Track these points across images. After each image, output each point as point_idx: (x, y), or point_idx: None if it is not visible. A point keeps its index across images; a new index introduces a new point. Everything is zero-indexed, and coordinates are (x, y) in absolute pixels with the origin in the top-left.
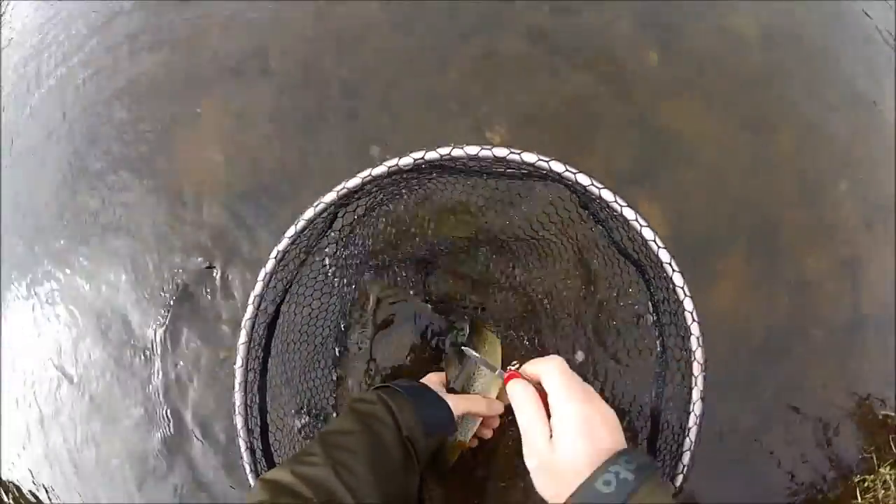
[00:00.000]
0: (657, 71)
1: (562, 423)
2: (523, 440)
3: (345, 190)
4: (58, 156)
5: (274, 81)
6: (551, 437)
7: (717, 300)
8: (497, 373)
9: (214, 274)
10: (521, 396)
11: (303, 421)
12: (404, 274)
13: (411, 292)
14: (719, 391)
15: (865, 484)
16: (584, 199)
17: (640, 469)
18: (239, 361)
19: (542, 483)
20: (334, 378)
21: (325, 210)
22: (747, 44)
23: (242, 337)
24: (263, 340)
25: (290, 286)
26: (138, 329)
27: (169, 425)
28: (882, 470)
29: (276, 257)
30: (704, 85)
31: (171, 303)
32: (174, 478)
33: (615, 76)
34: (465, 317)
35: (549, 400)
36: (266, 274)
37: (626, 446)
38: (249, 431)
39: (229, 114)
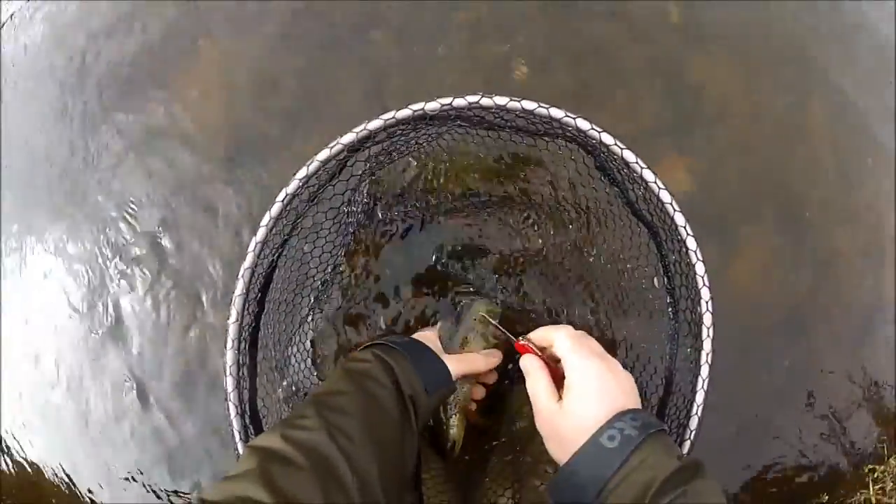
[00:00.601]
0: (685, 24)
1: (572, 383)
2: (533, 407)
3: (365, 131)
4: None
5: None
6: (560, 400)
7: (739, 271)
8: (519, 339)
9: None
10: (529, 364)
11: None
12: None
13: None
14: (733, 365)
15: (875, 474)
16: (602, 160)
17: (644, 427)
18: (233, 316)
19: (553, 447)
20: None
21: (341, 152)
22: (782, 6)
23: (239, 288)
24: (258, 295)
25: (286, 240)
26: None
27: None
28: (893, 461)
29: (283, 200)
30: (734, 43)
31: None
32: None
33: (639, 28)
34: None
35: (563, 363)
36: (271, 219)
37: (639, 408)
38: (240, 395)
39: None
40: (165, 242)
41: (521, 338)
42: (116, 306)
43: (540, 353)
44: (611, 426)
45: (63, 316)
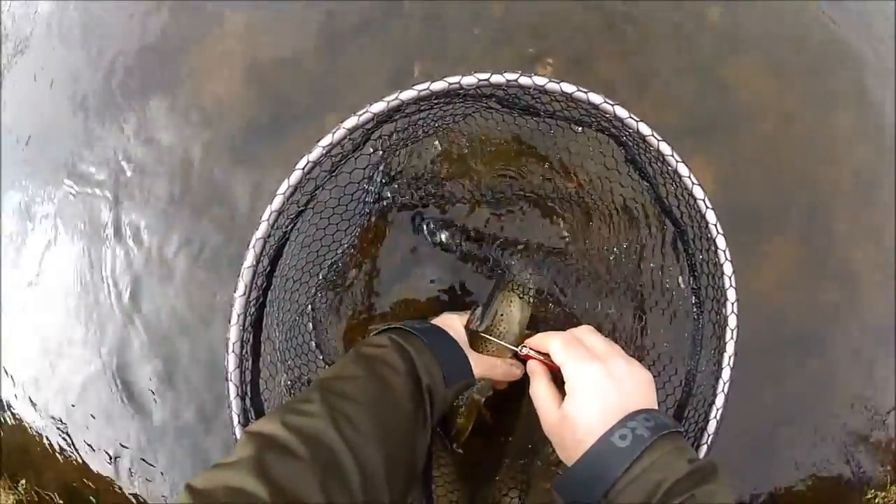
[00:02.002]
0: (719, 24)
1: (570, 389)
2: (538, 411)
3: (397, 101)
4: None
5: None
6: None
7: (759, 278)
8: (519, 349)
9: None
10: (530, 369)
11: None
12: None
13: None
14: (745, 374)
15: (876, 500)
16: (633, 152)
17: (658, 427)
18: (241, 288)
19: (560, 452)
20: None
21: (369, 121)
22: (817, 18)
23: (249, 258)
24: (267, 269)
25: (301, 211)
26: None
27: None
28: (893, 489)
29: (303, 167)
30: (769, 48)
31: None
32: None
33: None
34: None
35: (562, 370)
36: (289, 187)
37: (655, 408)
38: (242, 375)
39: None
40: (172, 213)
41: (521, 347)
42: (122, 274)
43: (542, 359)
44: (623, 425)
45: (67, 283)
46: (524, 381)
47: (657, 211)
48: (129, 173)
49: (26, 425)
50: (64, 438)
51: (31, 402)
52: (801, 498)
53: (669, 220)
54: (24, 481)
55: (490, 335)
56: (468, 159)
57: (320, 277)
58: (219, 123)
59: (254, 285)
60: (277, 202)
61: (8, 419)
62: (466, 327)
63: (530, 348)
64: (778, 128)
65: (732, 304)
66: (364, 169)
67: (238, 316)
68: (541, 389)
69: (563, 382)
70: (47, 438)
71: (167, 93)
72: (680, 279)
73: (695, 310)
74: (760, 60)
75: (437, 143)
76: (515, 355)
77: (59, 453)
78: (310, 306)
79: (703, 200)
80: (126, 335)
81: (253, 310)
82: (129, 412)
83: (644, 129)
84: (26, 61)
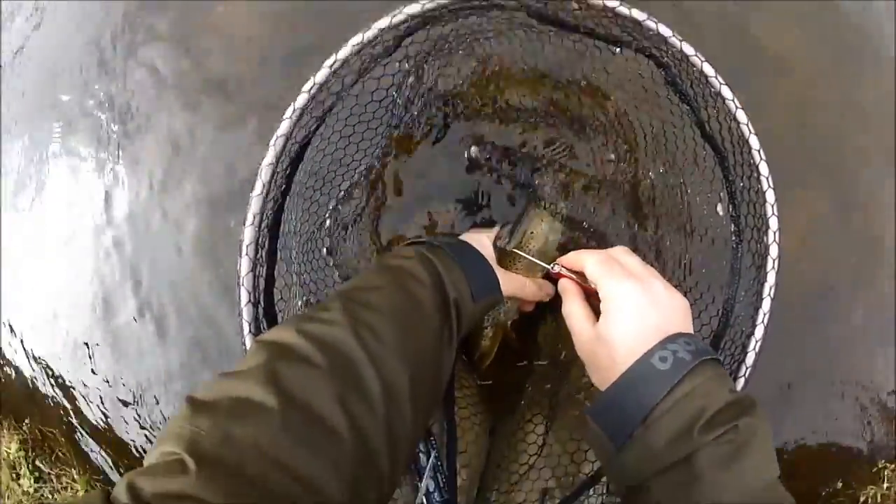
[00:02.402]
0: None
1: (606, 308)
2: (571, 332)
3: (433, 3)
4: None
5: None
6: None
7: (784, 236)
8: (552, 267)
9: None
10: (562, 287)
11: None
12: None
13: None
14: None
15: (886, 472)
16: (673, 74)
17: (699, 352)
18: (258, 187)
19: (593, 375)
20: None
21: (403, 23)
22: None
23: (269, 156)
24: (287, 170)
25: (327, 113)
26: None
27: None
28: None
29: (331, 66)
30: (802, 7)
31: None
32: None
33: None
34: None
35: (597, 288)
36: (315, 84)
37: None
38: (255, 281)
39: None
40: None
41: (553, 265)
42: (127, 210)
43: (575, 278)
44: (663, 347)
45: (67, 225)
46: (550, 304)
47: (697, 135)
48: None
49: (29, 368)
50: (66, 379)
51: (33, 344)
52: (811, 458)
53: (710, 146)
54: (27, 420)
55: (528, 239)
56: (501, 79)
57: (341, 190)
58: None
59: (272, 184)
60: (301, 100)
61: (10, 363)
62: (494, 244)
63: (562, 266)
64: (806, 84)
65: (774, 232)
66: (393, 76)
67: (254, 216)
68: (574, 308)
69: (596, 306)
70: (50, 380)
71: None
72: (719, 207)
73: (734, 238)
74: (790, 13)
75: (470, 61)
76: (546, 274)
77: (61, 394)
78: (328, 221)
79: (747, 125)
80: (129, 275)
81: (270, 213)
82: (133, 351)
83: (687, 48)
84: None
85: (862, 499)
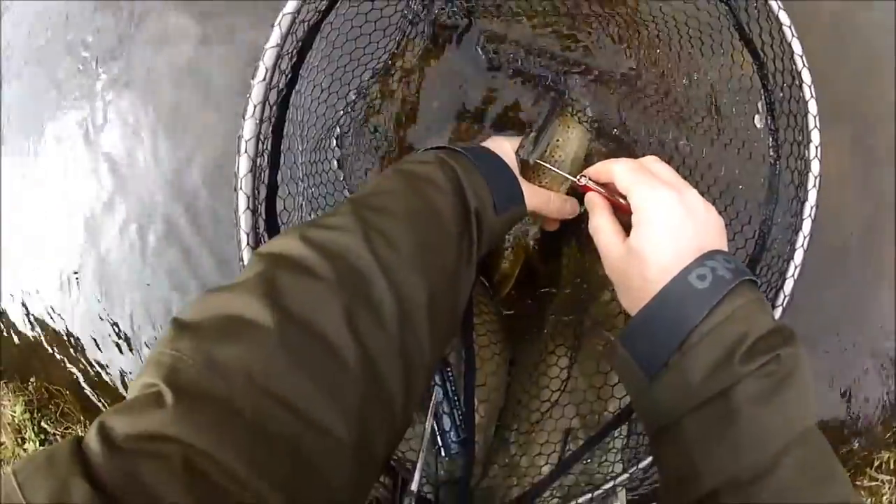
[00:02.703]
0: None
1: (639, 218)
2: (599, 250)
3: None
4: None
5: None
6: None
7: None
8: (578, 178)
9: None
10: (589, 200)
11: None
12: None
13: None
14: None
15: None
16: None
17: (739, 272)
18: (261, 72)
19: (623, 296)
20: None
21: None
22: None
23: (273, 38)
24: (294, 60)
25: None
26: None
27: None
28: None
29: None
30: None
31: None
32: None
33: None
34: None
35: (628, 197)
36: None
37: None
38: (255, 185)
39: None
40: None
41: (580, 177)
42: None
43: (603, 192)
44: (701, 264)
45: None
46: (575, 224)
47: (735, 39)
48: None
49: (32, 325)
50: (69, 335)
51: (33, 302)
52: (834, 417)
53: (748, 50)
54: (33, 379)
55: (552, 150)
56: None
57: (351, 90)
58: None
59: (276, 69)
60: None
61: (14, 323)
62: (517, 153)
63: (589, 178)
64: (829, 36)
65: (817, 147)
66: None
67: (255, 107)
68: (602, 222)
69: (626, 222)
70: (53, 337)
71: None
72: (756, 118)
73: (772, 153)
74: None
75: None
76: (572, 188)
77: (65, 350)
78: (338, 128)
79: (790, 27)
80: (131, 221)
81: (274, 108)
82: (136, 299)
83: None
84: None
85: (876, 462)
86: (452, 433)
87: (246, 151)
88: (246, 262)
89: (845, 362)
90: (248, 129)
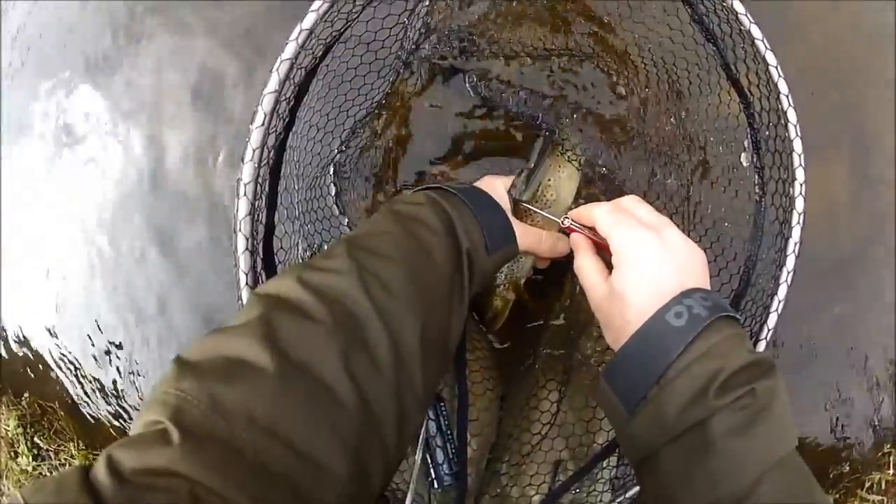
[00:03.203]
0: None
1: (618, 260)
2: (584, 288)
3: None
4: None
5: None
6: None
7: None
8: (561, 220)
9: None
10: (573, 241)
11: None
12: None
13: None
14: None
15: (891, 457)
16: (701, 12)
17: (716, 308)
18: (259, 117)
19: (607, 334)
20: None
21: None
22: None
23: (272, 82)
24: (291, 104)
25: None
26: None
27: None
28: None
29: None
30: None
31: None
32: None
33: None
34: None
35: (608, 241)
36: (324, 1)
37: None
38: (253, 226)
39: None
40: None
41: (564, 219)
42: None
43: (587, 233)
44: (678, 302)
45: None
46: (566, 261)
47: (722, 79)
48: None
49: (27, 343)
50: (64, 353)
51: (27, 318)
52: (819, 436)
53: (735, 90)
54: (27, 394)
55: (535, 204)
56: (516, 15)
57: (345, 129)
58: None
59: (275, 114)
60: (310, 20)
61: (7, 337)
62: (509, 193)
63: (572, 220)
64: (828, 45)
65: (801, 185)
66: (406, 1)
67: (254, 151)
68: (585, 262)
69: (610, 259)
70: (49, 354)
71: None
72: (742, 156)
73: (757, 190)
74: None
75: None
76: (561, 228)
77: (60, 368)
78: (332, 167)
79: (776, 68)
80: (127, 245)
81: (272, 153)
82: (130, 321)
83: None
84: None
85: (867, 484)
86: (445, 466)
87: (245, 194)
88: (244, 302)
89: (835, 384)
90: (247, 172)
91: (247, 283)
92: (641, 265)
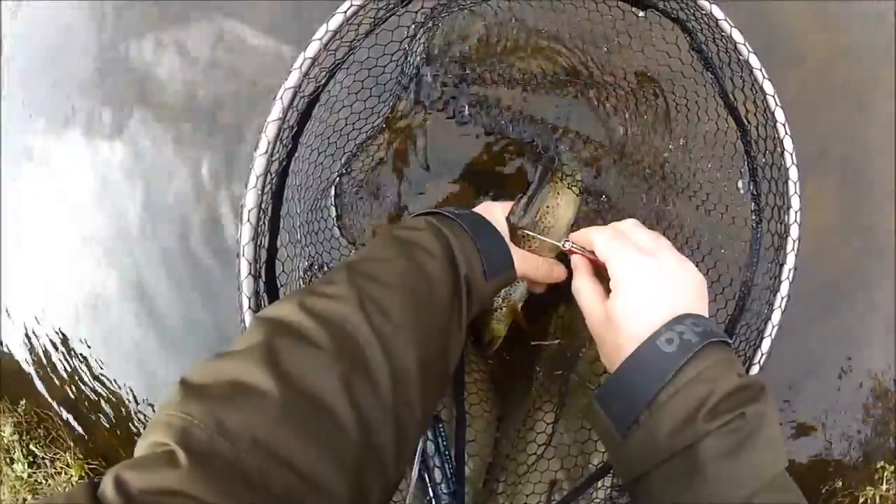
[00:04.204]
0: None
1: (615, 285)
2: (582, 310)
3: None
4: None
5: None
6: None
7: None
8: (562, 243)
9: None
10: (573, 263)
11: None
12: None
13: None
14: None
15: (885, 473)
16: (700, 41)
17: (706, 334)
18: (263, 145)
19: (603, 357)
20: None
21: None
22: None
23: (275, 111)
24: (295, 130)
25: (337, 66)
26: None
27: None
28: None
29: (345, 11)
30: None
31: None
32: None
33: None
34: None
35: (606, 265)
36: (328, 31)
37: (704, 314)
38: (256, 251)
39: None
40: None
41: (564, 242)
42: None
43: (587, 255)
44: (669, 328)
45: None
46: (563, 286)
47: (720, 107)
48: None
49: (24, 350)
50: (62, 360)
51: (27, 326)
52: (811, 454)
53: (732, 118)
54: (23, 402)
55: (534, 229)
56: (516, 43)
57: (346, 153)
58: None
59: (278, 142)
60: (313, 48)
61: (7, 347)
62: (508, 219)
63: (573, 243)
64: (820, 73)
65: (796, 212)
66: (408, 27)
67: (257, 178)
68: (583, 284)
69: (608, 281)
70: (46, 362)
71: None
72: (739, 183)
73: (753, 217)
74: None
75: (481, 24)
76: (559, 252)
77: (57, 375)
78: (333, 189)
79: (773, 96)
80: (131, 253)
81: (275, 178)
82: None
83: (717, 12)
84: None
85: (861, 499)
86: (443, 485)
87: (248, 220)
88: (247, 325)
89: (828, 401)
90: (251, 199)
91: (250, 307)
92: (636, 291)
